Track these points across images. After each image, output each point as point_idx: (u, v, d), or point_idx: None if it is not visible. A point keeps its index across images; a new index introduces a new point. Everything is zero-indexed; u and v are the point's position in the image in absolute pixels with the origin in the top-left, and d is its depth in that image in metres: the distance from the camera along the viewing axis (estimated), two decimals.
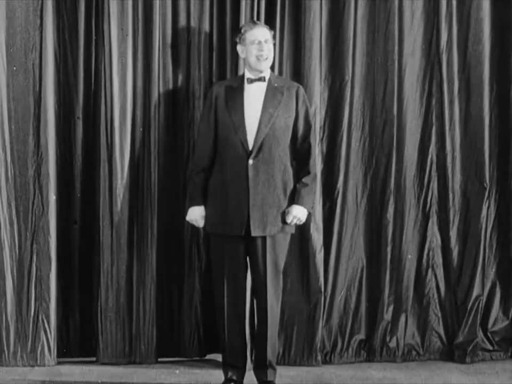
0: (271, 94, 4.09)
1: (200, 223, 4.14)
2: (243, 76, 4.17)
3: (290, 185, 4.10)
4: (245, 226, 4.01)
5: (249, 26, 4.13)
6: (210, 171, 4.12)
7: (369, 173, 4.65)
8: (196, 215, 4.14)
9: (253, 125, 4.04)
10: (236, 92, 4.11)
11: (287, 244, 4.16)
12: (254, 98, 4.09)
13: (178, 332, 4.61)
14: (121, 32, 4.43)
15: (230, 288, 4.07)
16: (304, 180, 4.11)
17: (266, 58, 4.09)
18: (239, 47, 4.16)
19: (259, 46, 4.08)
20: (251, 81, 4.12)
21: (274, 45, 4.37)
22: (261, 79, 4.11)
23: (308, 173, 4.13)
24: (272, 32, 4.18)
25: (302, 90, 4.18)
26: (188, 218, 4.18)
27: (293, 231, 4.16)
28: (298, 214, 4.09)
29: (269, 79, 4.13)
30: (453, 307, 4.70)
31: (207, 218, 4.12)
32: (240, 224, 4.01)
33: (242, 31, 4.14)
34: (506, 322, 4.73)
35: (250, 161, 4.01)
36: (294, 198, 4.09)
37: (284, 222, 4.05)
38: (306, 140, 4.15)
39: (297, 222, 4.13)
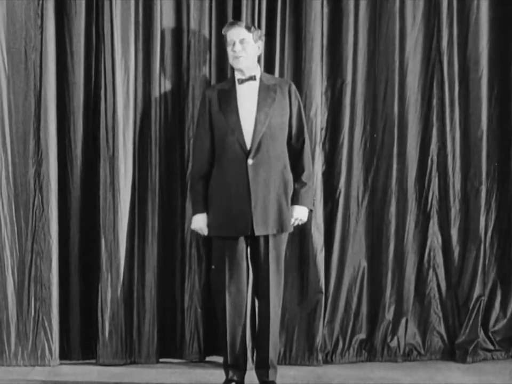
0: (264, 92, 4.10)
1: (204, 231, 4.14)
2: (233, 77, 4.16)
3: (291, 183, 4.10)
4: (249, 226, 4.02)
5: (226, 27, 4.16)
6: (210, 176, 4.11)
7: (371, 173, 4.65)
8: (199, 223, 4.14)
9: (249, 125, 4.04)
10: (228, 94, 4.11)
11: (286, 241, 4.16)
12: (247, 98, 4.09)
13: (178, 334, 4.60)
14: (122, 33, 4.43)
15: (232, 289, 4.07)
16: (301, 178, 4.12)
17: (240, 57, 4.08)
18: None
19: (233, 47, 4.09)
20: (242, 81, 4.12)
21: (275, 45, 4.40)
22: (251, 78, 4.11)
23: (303, 170, 4.13)
24: (258, 31, 4.17)
25: (293, 87, 4.19)
26: (192, 227, 4.19)
27: (292, 229, 4.16)
28: (299, 215, 4.13)
29: (260, 78, 4.13)
30: (454, 307, 4.69)
31: (210, 221, 4.11)
32: (245, 225, 4.01)
33: (222, 32, 4.18)
34: (507, 322, 4.72)
35: (250, 161, 4.01)
36: (293, 199, 4.10)
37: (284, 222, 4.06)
38: (300, 137, 4.16)
39: (300, 223, 4.16)
